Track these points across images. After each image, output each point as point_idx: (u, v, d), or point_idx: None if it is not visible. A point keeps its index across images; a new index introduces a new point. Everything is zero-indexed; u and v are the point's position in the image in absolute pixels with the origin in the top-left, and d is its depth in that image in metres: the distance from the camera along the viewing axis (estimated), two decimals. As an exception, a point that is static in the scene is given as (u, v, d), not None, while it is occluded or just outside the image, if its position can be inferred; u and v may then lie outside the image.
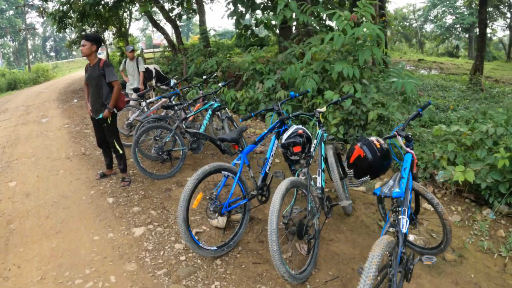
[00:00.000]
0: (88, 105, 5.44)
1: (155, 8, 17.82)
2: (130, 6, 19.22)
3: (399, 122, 6.62)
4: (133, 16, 22.35)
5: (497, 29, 39.91)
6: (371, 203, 4.83)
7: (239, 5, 15.98)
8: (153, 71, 9.80)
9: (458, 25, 38.59)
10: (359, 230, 4.24)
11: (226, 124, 6.33)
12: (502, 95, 14.08)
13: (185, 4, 17.80)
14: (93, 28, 18.89)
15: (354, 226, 4.31)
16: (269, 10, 15.37)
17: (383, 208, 4.09)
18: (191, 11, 19.12)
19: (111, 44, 20.66)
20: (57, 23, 16.13)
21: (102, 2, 15.67)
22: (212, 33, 14.61)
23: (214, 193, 3.68)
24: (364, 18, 6.81)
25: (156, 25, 16.26)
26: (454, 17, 40.34)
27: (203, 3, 14.38)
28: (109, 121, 5.29)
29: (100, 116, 5.23)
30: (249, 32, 16.03)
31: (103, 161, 6.37)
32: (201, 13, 14.05)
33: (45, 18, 17.13)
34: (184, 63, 11.43)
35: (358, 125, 6.58)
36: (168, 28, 36.29)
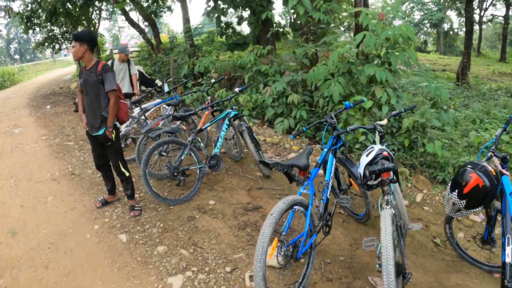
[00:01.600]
0: (82, 117, 4.40)
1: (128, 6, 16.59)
2: (101, 4, 17.74)
3: (435, 128, 5.99)
4: (102, 15, 20.82)
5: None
6: (416, 217, 4.15)
7: (220, 2, 15.06)
8: (137, 73, 8.75)
9: (427, 21, 39.05)
10: (421, 252, 3.81)
11: (247, 136, 5.42)
12: (491, 92, 13.87)
13: (160, 1, 16.60)
14: (62, 28, 17.30)
15: (414, 248, 3.87)
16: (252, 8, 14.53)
17: (450, 228, 3.74)
18: (166, 8, 17.93)
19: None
20: (24, 23, 14.54)
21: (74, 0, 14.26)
22: (197, 31, 13.55)
23: (284, 235, 2.80)
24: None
25: (133, 23, 15.01)
26: (422, 13, 40.80)
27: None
28: (113, 139, 4.26)
29: (100, 132, 4.22)
30: (230, 30, 15.13)
31: (98, 182, 5.37)
32: (184, 9, 13.00)
33: (10, 19, 15.50)
34: (170, 64, 10.37)
35: (389, 133, 5.83)
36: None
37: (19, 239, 4.01)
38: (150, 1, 15.50)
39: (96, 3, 16.05)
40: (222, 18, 14.95)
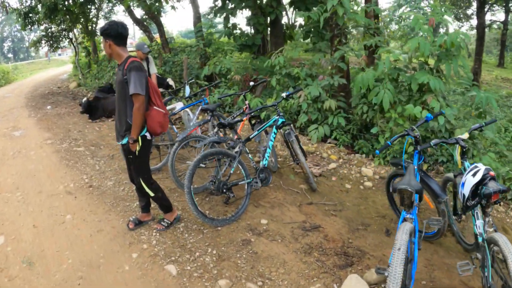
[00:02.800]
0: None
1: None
2: (101, 2, 16.80)
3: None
4: (101, 13, 19.87)
5: (459, 29, 40.67)
6: None
7: (228, 1, 14.34)
8: (156, 72, 7.95)
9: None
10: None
11: (296, 146, 4.69)
12: (503, 99, 13.48)
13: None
14: (60, 26, 16.33)
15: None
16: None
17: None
18: (169, 7, 17.05)
19: (81, 43, 18.02)
20: (22, 20, 13.55)
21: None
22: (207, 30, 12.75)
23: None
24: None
25: (138, 21, 14.14)
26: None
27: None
28: (136, 152, 3.48)
29: (123, 141, 3.48)
30: (238, 31, 14.42)
31: (123, 197, 4.59)
32: (195, 7, 12.19)
33: (3, 16, 14.50)
34: (184, 64, 9.55)
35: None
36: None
37: (38, 272, 3.18)
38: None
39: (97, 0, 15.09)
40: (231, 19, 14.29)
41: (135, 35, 40.88)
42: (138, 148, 3.43)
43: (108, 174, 5.40)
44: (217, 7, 14.81)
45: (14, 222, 4.10)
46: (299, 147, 4.76)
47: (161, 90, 7.79)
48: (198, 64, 10.77)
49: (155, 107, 3.48)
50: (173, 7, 17.21)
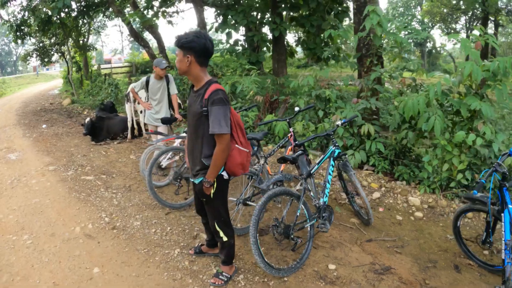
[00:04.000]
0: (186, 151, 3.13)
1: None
2: (95, 16, 15.98)
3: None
4: (93, 27, 19.02)
5: (446, 43, 41.47)
6: None
7: (230, 17, 13.80)
8: (177, 93, 7.30)
9: (411, 40, 39.01)
10: None
11: (356, 180, 4.08)
12: None
13: (165, 11, 15.03)
14: (52, 39, 15.43)
15: None
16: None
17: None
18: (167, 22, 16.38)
19: (72, 58, 17.07)
20: (14, 32, 12.62)
21: (73, 7, 12.54)
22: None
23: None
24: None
25: (136, 36, 13.38)
26: (406, 33, 40.87)
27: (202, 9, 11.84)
28: (211, 195, 2.88)
29: (196, 181, 2.88)
30: (240, 48, 13.91)
31: (160, 242, 3.78)
32: (202, 21, 11.55)
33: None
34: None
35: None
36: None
37: None
38: (157, 8, 13.77)
39: (92, 13, 14.29)
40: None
41: (123, 50, 40.05)
42: (213, 190, 2.81)
43: (131, 211, 4.59)
44: (218, 23, 14.26)
45: (27, 278, 3.27)
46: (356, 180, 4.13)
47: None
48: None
49: (237, 146, 2.83)
50: (170, 22, 16.62)
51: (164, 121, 5.67)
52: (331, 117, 6.48)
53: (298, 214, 3.37)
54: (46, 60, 15.99)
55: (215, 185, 2.83)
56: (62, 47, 16.12)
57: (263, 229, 4.08)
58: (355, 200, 4.60)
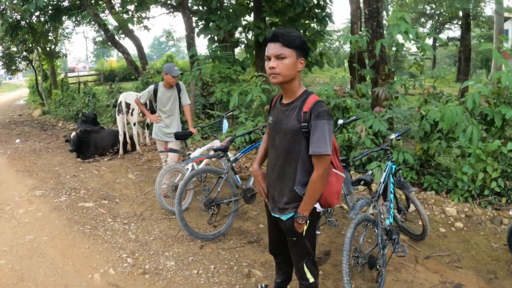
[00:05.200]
0: (258, 177, 2.47)
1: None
2: (72, 18, 14.63)
3: None
4: (62, 32, 17.54)
5: (410, 47, 42.43)
6: None
7: (214, 21, 13.04)
8: (190, 103, 6.67)
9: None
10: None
11: (415, 199, 3.71)
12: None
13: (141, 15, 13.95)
14: (21, 46, 13.99)
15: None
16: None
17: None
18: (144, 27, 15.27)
19: (40, 66, 15.53)
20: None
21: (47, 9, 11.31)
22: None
23: None
24: None
25: (114, 42, 12.29)
26: None
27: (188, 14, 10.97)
28: (303, 232, 2.25)
29: (284, 217, 2.27)
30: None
31: (207, 285, 3.02)
32: (190, 26, 10.70)
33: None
34: (192, 92, 7.98)
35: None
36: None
37: None
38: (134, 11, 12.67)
39: (65, 17, 13.03)
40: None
41: (88, 58, 37.82)
42: (305, 227, 2.23)
43: (156, 247, 3.76)
44: (199, 28, 13.44)
45: None
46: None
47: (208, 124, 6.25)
48: (199, 91, 9.23)
49: (333, 170, 2.25)
50: (145, 27, 15.57)
51: (179, 136, 4.87)
52: (352, 128, 5.94)
53: (379, 241, 2.79)
54: (13, 68, 14.48)
55: (308, 222, 2.21)
56: (30, 54, 14.67)
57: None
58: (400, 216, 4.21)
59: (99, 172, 6.39)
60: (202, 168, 4.09)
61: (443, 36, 28.98)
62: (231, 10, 12.93)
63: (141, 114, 7.78)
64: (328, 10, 14.89)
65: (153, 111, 5.62)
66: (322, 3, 14.10)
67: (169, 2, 12.64)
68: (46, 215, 4.59)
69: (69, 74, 22.25)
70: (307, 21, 14.26)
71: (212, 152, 5.25)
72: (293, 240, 2.31)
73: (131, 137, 7.64)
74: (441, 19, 26.16)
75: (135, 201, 5.09)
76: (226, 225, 4.04)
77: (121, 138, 7.38)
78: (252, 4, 14.15)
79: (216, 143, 5.23)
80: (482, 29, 25.44)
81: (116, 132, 7.64)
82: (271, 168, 2.32)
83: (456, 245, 4.12)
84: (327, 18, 14.76)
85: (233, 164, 4.32)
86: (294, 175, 2.19)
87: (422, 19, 32.01)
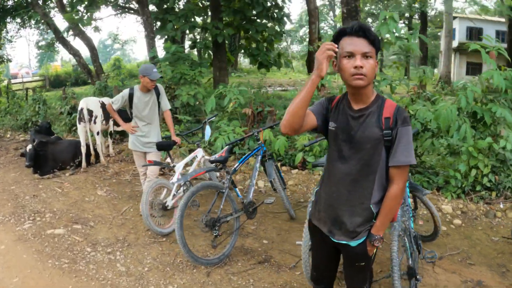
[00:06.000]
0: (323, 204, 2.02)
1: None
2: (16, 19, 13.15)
3: None
4: (4, 36, 15.82)
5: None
6: None
7: (170, 21, 12.36)
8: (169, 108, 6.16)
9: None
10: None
11: (431, 205, 3.70)
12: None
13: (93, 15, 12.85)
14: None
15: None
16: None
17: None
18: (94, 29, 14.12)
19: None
20: None
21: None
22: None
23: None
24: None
25: (65, 43, 11.16)
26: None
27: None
28: (373, 256, 1.98)
29: (353, 243, 1.90)
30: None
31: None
32: (149, 26, 9.92)
33: None
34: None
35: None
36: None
37: None
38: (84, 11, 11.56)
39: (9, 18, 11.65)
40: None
41: (30, 63, 34.86)
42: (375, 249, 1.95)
43: (155, 280, 3.20)
44: (156, 29, 12.66)
45: None
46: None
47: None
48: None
49: None
50: (96, 29, 14.44)
51: (162, 146, 4.29)
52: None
53: (414, 248, 2.78)
54: None
55: None
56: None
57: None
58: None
59: (63, 190, 5.58)
60: (203, 184, 3.55)
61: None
62: (188, 9, 12.31)
63: (104, 122, 7.00)
64: (285, 10, 14.67)
65: (126, 119, 4.96)
66: (280, 3, 13.86)
67: (120, 2, 11.79)
68: (11, 248, 3.81)
69: (12, 81, 20.43)
70: (265, 21, 14.00)
71: (196, 162, 4.72)
72: (360, 266, 1.97)
73: (94, 148, 6.84)
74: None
75: (113, 223, 4.43)
76: (230, 245, 3.55)
77: (83, 150, 6.55)
78: (209, 3, 13.63)
79: (200, 152, 4.71)
80: (428, 28, 26.62)
81: (76, 142, 6.81)
82: (335, 184, 1.91)
83: (460, 242, 4.07)
84: (285, 18, 14.55)
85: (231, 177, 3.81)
86: (371, 191, 1.85)
87: (369, 19, 32.99)
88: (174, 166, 4.28)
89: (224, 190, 3.56)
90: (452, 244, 3.99)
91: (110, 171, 6.60)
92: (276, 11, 13.60)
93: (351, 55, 1.73)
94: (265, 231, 4.27)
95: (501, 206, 4.83)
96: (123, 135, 8.37)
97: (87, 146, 6.67)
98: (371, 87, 1.82)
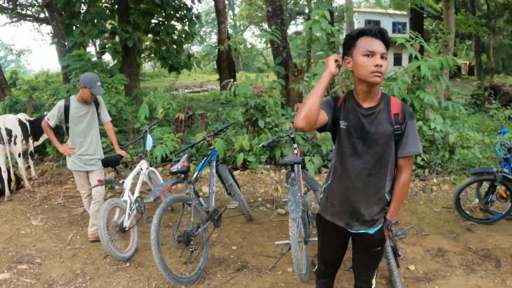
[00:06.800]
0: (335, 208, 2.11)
1: None
2: None
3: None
4: None
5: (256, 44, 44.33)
6: None
7: (77, 26, 11.44)
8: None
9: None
10: None
11: None
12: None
13: None
14: None
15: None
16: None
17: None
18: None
19: None
20: None
21: None
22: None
23: None
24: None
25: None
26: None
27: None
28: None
29: (371, 231, 2.04)
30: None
31: None
32: (59, 32, 8.94)
33: None
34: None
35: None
36: None
37: None
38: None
39: None
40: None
41: None
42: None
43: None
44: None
45: None
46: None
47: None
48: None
49: None
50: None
51: (108, 162, 3.95)
52: (283, 126, 5.77)
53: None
54: None
55: None
56: None
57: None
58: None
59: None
60: (171, 198, 3.34)
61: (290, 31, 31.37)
62: (95, 13, 11.41)
63: (24, 142, 6.18)
64: (194, 11, 14.46)
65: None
66: (189, 4, 13.63)
67: (18, 10, 10.46)
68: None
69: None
70: (173, 22, 13.64)
71: (142, 175, 4.40)
72: (376, 251, 2.10)
73: (15, 173, 6.01)
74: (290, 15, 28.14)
75: (63, 255, 3.95)
76: (203, 258, 3.42)
77: (4, 175, 5.69)
78: (116, 6, 12.79)
79: (144, 164, 4.41)
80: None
81: (-7, 168, 5.90)
82: (350, 179, 1.99)
83: (409, 217, 4.49)
84: (194, 19, 14.32)
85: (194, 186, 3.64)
86: (385, 182, 2.00)
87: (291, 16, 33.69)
88: (123, 182, 3.95)
89: (191, 202, 3.39)
90: (404, 220, 4.38)
91: (38, 196, 5.87)
92: (185, 12, 13.30)
93: (371, 54, 1.82)
94: (229, 237, 4.19)
95: (435, 181, 5.43)
96: (43, 154, 7.52)
97: (8, 171, 5.83)
98: (378, 86, 1.94)
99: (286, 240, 3.37)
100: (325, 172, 5.81)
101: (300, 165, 3.60)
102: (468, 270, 3.43)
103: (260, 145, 4.48)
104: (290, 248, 3.29)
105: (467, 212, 4.59)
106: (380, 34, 1.85)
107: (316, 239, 3.55)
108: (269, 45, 6.30)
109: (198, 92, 19.84)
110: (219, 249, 3.87)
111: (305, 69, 6.59)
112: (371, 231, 2.03)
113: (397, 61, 28.43)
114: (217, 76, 17.52)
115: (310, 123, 1.84)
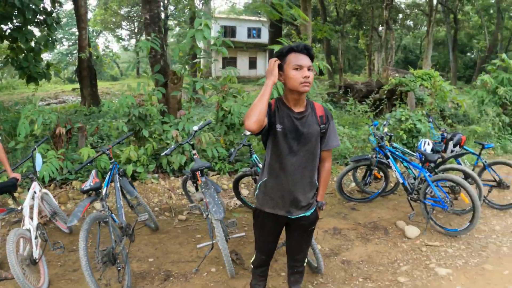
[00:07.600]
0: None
1: None
2: None
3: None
4: None
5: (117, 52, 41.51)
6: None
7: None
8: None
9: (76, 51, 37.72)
10: None
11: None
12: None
13: None
14: None
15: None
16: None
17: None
18: None
19: None
20: None
21: None
22: None
23: None
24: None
25: None
26: (70, 43, 38.73)
27: None
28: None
29: (308, 213, 2.36)
30: None
31: None
32: None
33: None
34: None
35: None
36: None
37: None
38: None
39: None
40: None
41: None
42: None
43: None
44: None
45: None
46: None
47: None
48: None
49: None
50: None
51: (4, 188, 3.39)
52: (168, 134, 5.64)
53: None
54: None
55: None
56: None
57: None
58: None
59: None
60: (91, 217, 3.00)
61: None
62: None
63: None
64: (54, 15, 13.00)
65: None
66: (49, 8, 12.19)
67: None
68: None
69: None
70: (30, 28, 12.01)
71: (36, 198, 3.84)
72: (311, 229, 2.45)
73: None
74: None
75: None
76: (128, 275, 3.21)
77: None
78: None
79: (37, 186, 3.88)
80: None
81: None
82: (289, 174, 2.24)
83: None
84: (54, 24, 12.89)
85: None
86: (315, 171, 2.33)
87: (124, 22, 32.38)
88: (21, 209, 3.41)
89: (107, 219, 3.14)
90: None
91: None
92: (44, 16, 11.84)
93: (300, 67, 2.10)
94: (141, 250, 4.00)
95: None
96: None
97: None
98: (305, 93, 2.22)
99: (208, 242, 3.43)
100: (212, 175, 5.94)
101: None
102: (364, 240, 4.04)
103: (163, 154, 4.34)
104: (212, 249, 3.42)
105: (348, 194, 5.27)
106: (306, 50, 2.14)
107: (236, 236, 3.72)
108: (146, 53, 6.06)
109: (56, 104, 17.68)
110: (136, 263, 3.66)
111: (184, 76, 6.57)
112: (308, 213, 2.33)
113: (252, 64, 30.41)
114: (72, 86, 15.91)
115: (261, 124, 2.03)
